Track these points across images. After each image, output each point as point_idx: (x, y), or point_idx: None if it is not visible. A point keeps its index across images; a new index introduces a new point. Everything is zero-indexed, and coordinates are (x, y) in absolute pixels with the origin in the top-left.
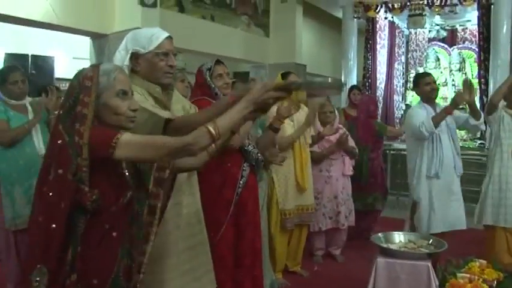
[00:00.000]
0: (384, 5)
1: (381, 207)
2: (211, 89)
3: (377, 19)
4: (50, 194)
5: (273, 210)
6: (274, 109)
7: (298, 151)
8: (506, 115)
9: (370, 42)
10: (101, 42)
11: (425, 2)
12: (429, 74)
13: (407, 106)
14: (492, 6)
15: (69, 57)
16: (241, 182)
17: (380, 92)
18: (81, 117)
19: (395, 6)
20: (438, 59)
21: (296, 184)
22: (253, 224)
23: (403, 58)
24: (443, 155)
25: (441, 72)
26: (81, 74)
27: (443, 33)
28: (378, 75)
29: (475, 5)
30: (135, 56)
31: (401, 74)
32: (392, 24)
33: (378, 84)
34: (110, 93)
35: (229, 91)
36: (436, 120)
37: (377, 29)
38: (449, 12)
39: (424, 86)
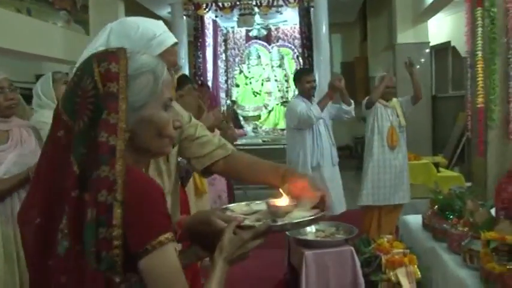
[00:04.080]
0: (213, 4)
1: None
2: None
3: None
4: (62, 279)
5: None
6: None
7: None
8: (380, 105)
9: (200, 40)
10: None
11: (254, 2)
12: (311, 72)
13: (233, 102)
14: (312, 8)
15: None
16: None
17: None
18: (103, 149)
19: (226, 5)
20: (259, 56)
21: (195, 188)
22: None
23: (223, 56)
24: (323, 147)
25: (263, 69)
26: (90, 69)
27: (264, 32)
28: (207, 74)
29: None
30: None
31: (224, 71)
32: (215, 23)
33: (208, 82)
34: (157, 104)
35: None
36: (322, 105)
37: (205, 28)
38: (276, 12)
39: (306, 83)
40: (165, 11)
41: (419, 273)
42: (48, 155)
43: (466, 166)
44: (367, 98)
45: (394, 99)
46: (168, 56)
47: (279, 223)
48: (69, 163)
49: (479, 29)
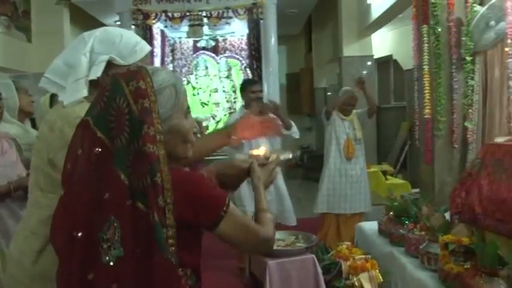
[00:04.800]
0: (163, 14)
1: None
2: None
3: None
4: (113, 287)
5: None
6: None
7: None
8: (337, 118)
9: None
10: None
11: (204, 14)
12: (257, 83)
13: None
14: (261, 21)
15: None
16: None
17: None
18: (152, 159)
19: (175, 15)
20: (207, 67)
21: None
22: None
23: (171, 66)
24: None
25: (211, 80)
26: (120, 90)
27: (212, 43)
28: None
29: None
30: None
31: None
32: (162, 33)
33: None
34: (180, 114)
35: None
36: None
37: (153, 38)
38: (225, 24)
39: (250, 93)
40: (111, 20)
41: (381, 277)
42: (84, 170)
43: (409, 173)
44: (324, 109)
45: (353, 112)
46: (146, 60)
47: (285, 155)
48: (114, 175)
49: (425, 45)
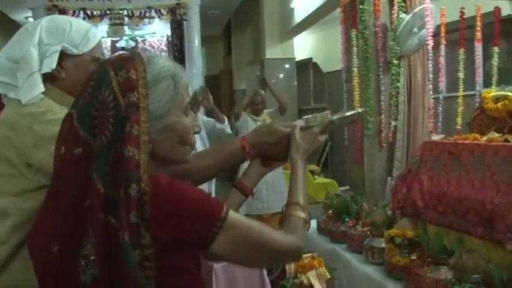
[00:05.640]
0: (82, 12)
1: None
2: None
3: None
4: None
5: None
6: None
7: None
8: (249, 119)
9: None
10: None
11: (126, 13)
12: None
13: None
14: (185, 22)
15: None
16: None
17: None
18: (131, 165)
19: (95, 13)
20: None
21: None
22: None
23: None
24: None
25: None
26: (107, 80)
27: (132, 44)
28: None
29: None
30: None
31: None
32: None
33: None
34: (179, 110)
35: None
36: None
37: None
38: (147, 24)
39: None
40: (22, 16)
41: (328, 274)
42: (66, 175)
43: (331, 172)
44: (232, 111)
45: (265, 111)
46: (100, 47)
47: (337, 116)
48: (92, 182)
49: (354, 48)
